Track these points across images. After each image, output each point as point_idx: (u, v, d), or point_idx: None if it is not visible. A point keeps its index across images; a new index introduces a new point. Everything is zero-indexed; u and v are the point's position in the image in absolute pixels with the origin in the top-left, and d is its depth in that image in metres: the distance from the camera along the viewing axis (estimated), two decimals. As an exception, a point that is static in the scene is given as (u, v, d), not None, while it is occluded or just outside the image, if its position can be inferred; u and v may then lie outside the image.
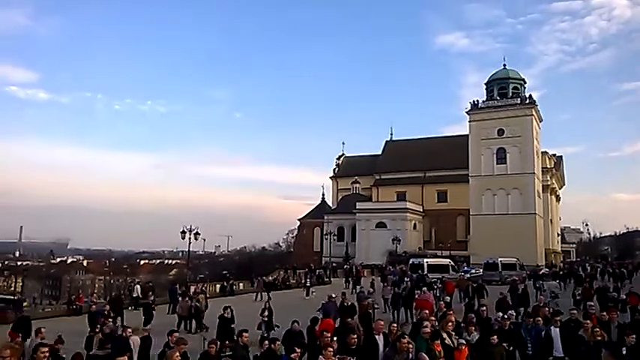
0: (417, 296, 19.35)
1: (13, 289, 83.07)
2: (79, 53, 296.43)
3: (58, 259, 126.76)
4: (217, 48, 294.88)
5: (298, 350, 9.24)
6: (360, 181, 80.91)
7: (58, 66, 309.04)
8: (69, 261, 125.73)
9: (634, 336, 9.17)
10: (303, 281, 43.53)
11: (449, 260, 38.76)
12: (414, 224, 73.23)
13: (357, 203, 73.79)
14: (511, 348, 10.55)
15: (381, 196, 78.64)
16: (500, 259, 39.92)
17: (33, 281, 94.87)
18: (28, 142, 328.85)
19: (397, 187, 77.87)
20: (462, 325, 11.53)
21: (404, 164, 78.14)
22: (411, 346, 9.08)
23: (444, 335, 10.19)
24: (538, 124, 68.39)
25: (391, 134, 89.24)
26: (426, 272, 34.87)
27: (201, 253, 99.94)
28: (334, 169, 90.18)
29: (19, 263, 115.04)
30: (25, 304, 52.53)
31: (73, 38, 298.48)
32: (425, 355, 8.72)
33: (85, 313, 24.00)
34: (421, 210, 75.04)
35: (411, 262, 39.34)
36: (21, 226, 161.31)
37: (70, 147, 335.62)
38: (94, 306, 17.86)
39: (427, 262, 37.64)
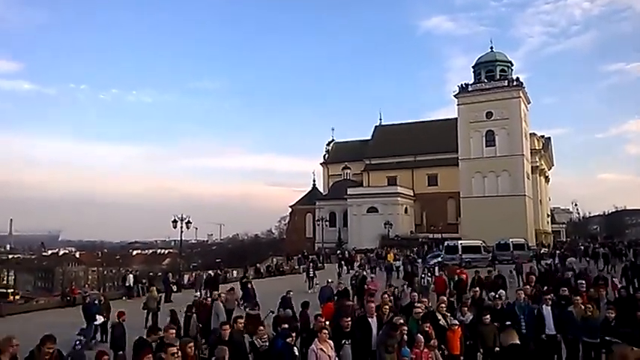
0: (365, 286, 18.99)
1: (5, 282, 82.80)
2: (62, 43, 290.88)
3: (50, 252, 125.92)
4: (203, 38, 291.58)
5: (293, 334, 9.36)
6: (350, 166, 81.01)
7: (41, 56, 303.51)
8: (61, 253, 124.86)
9: (612, 311, 9.50)
10: (296, 267, 43.90)
11: (481, 242, 40.51)
12: (405, 208, 73.55)
13: (348, 189, 73.94)
14: (503, 327, 10.74)
15: (372, 181, 78.76)
16: (511, 240, 41.36)
17: (25, 274, 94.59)
18: (14, 135, 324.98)
19: (387, 171, 77.98)
20: (457, 306, 11.72)
21: (394, 149, 78.22)
22: (405, 328, 9.24)
23: (439, 316, 10.37)
24: (526, 106, 68.70)
25: (380, 119, 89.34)
26: (460, 253, 37.26)
27: (193, 241, 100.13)
28: (324, 156, 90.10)
29: (10, 256, 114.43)
30: (17, 297, 52.56)
31: (56, 28, 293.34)
32: (421, 337, 8.88)
33: (79, 304, 24.05)
34: (412, 194, 75.35)
35: (446, 244, 41.38)
36: (11, 219, 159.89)
37: (58, 138, 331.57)
38: (87, 298, 17.94)
39: (461, 243, 40.17)
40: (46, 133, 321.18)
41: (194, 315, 13.62)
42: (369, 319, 9.92)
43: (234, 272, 38.69)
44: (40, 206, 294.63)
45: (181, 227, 36.39)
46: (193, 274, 33.67)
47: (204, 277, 29.47)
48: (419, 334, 9.35)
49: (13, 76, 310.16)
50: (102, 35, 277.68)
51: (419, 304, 11.05)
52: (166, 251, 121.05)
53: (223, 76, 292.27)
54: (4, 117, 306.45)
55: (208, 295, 19.64)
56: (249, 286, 20.03)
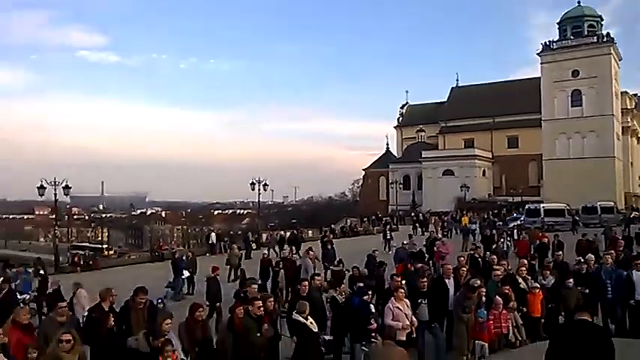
0: (435, 248, 18.50)
1: (100, 238, 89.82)
2: (143, 14, 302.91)
3: (139, 211, 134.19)
4: (278, 4, 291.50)
5: (369, 292, 9.58)
6: (425, 129, 79.03)
7: (126, 29, 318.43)
8: (148, 212, 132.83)
9: None
10: (370, 228, 44.30)
11: (564, 205, 38.94)
12: (483, 171, 71.42)
13: (423, 152, 72.58)
14: (587, 291, 10.36)
15: (448, 143, 76.76)
16: (599, 203, 39.52)
17: (117, 232, 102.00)
18: (104, 103, 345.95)
19: (464, 134, 75.57)
20: (538, 269, 11.46)
21: (471, 110, 75.31)
22: (483, 290, 9.22)
23: (519, 279, 10.21)
24: (617, 63, 63.73)
25: (457, 80, 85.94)
26: (542, 216, 36.45)
27: (270, 203, 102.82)
28: (398, 119, 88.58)
29: (103, 215, 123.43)
30: (110, 252, 56.93)
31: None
32: (499, 298, 8.82)
33: (166, 259, 25.82)
34: (490, 156, 72.87)
35: (527, 207, 40.33)
36: (102, 182, 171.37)
37: (143, 106, 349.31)
38: (176, 254, 19.30)
39: (543, 206, 39.16)
40: (132, 102, 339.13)
41: (282, 270, 14.30)
42: (446, 280, 9.96)
43: (310, 232, 39.70)
44: (128, 169, 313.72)
45: (259, 189, 37.77)
46: (271, 234, 34.91)
47: (278, 236, 30.72)
48: (497, 296, 9.30)
49: (99, 48, 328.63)
50: (179, 6, 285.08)
51: (498, 267, 10.92)
52: (245, 212, 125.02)
53: (296, 41, 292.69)
54: (94, 87, 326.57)
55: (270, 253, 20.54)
56: (329, 246, 20.16)
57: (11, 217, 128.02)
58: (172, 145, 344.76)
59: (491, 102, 73.19)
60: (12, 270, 20.14)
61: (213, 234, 32.44)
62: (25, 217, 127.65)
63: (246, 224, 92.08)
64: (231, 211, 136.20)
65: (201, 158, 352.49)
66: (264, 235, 35.48)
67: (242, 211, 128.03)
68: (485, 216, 40.84)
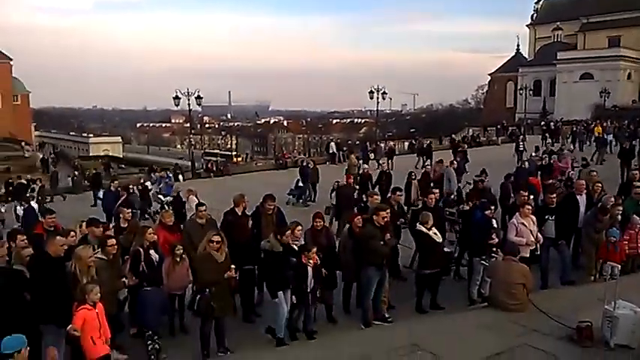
0: (553, 162, 16.11)
1: (229, 146, 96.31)
2: None
3: (262, 120, 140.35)
4: None
5: (492, 207, 9.42)
6: (562, 27, 70.97)
7: None
8: (271, 121, 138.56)
9: None
10: (494, 138, 42.40)
11: None
12: (629, 74, 63.52)
13: (559, 53, 65.79)
14: None
15: (588, 43, 68.53)
16: None
17: (244, 139, 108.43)
18: (222, 12, 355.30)
19: (609, 30, 66.50)
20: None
21: (618, 2, 65.72)
22: (619, 209, 8.67)
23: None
24: None
25: (606, -34, 74.80)
26: None
27: (388, 111, 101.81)
28: (532, 16, 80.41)
29: (231, 124, 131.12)
30: (239, 159, 60.98)
31: None
32: (637, 217, 8.24)
33: (289, 167, 27.24)
34: (638, 57, 64.36)
35: None
36: (229, 91, 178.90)
37: (264, 15, 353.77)
38: (304, 162, 20.59)
39: None
40: (248, 10, 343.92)
41: (414, 181, 14.52)
42: (578, 197, 9.45)
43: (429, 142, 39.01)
44: (251, 79, 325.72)
45: (377, 98, 37.53)
46: (380, 146, 35.13)
47: (387, 148, 31.40)
48: (635, 215, 8.67)
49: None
50: None
51: (638, 183, 10.04)
52: (362, 121, 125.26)
53: None
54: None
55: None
56: (458, 158, 19.13)
57: (151, 125, 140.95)
58: (290, 53, 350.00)
59: (644, -10, 63.13)
60: (155, 174, 22.66)
61: (332, 143, 33.25)
62: (163, 125, 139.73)
63: (363, 133, 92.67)
64: (349, 120, 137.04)
65: (319, 66, 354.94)
66: (382, 145, 35.69)
67: (360, 120, 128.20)
68: (624, 124, 36.33)
